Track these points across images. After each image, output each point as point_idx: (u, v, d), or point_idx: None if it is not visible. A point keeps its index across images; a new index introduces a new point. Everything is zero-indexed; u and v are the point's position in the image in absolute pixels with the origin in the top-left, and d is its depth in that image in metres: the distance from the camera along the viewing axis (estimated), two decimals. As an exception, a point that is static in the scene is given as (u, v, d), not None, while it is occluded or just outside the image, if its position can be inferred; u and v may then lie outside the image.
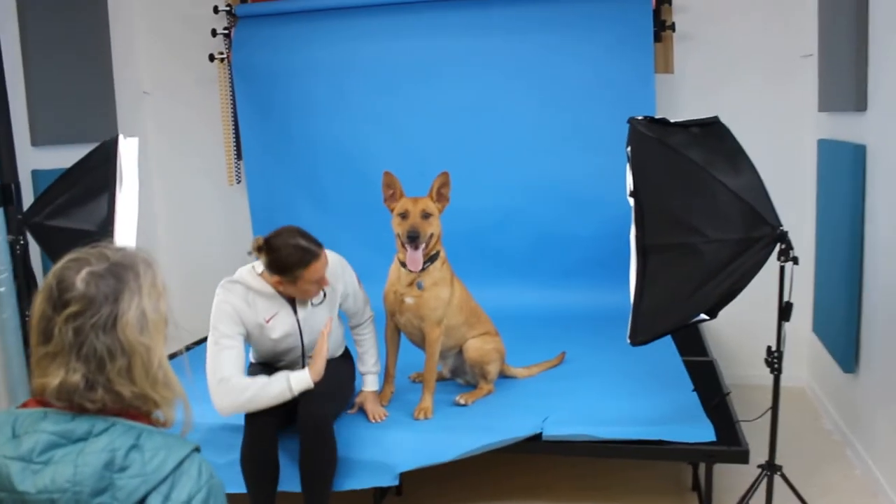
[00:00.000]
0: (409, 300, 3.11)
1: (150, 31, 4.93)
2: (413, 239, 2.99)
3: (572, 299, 4.32)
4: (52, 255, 3.27)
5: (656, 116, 2.71)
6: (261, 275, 2.84)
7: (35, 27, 4.10)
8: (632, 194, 2.64)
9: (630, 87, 4.17)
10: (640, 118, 2.63)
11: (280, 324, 2.87)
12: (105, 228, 3.04)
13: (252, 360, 3.17)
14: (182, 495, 1.28)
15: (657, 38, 4.20)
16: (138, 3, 4.90)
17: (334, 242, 3.25)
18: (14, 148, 3.92)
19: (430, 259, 3.11)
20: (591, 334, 3.91)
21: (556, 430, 2.87)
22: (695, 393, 3.15)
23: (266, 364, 3.07)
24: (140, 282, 1.33)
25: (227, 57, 4.66)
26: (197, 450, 1.36)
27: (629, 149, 2.63)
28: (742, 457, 2.71)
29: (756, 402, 3.22)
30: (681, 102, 4.33)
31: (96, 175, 3.06)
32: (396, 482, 2.92)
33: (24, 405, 1.35)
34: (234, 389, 2.71)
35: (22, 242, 3.23)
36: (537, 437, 2.88)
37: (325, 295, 2.92)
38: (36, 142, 4.12)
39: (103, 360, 1.28)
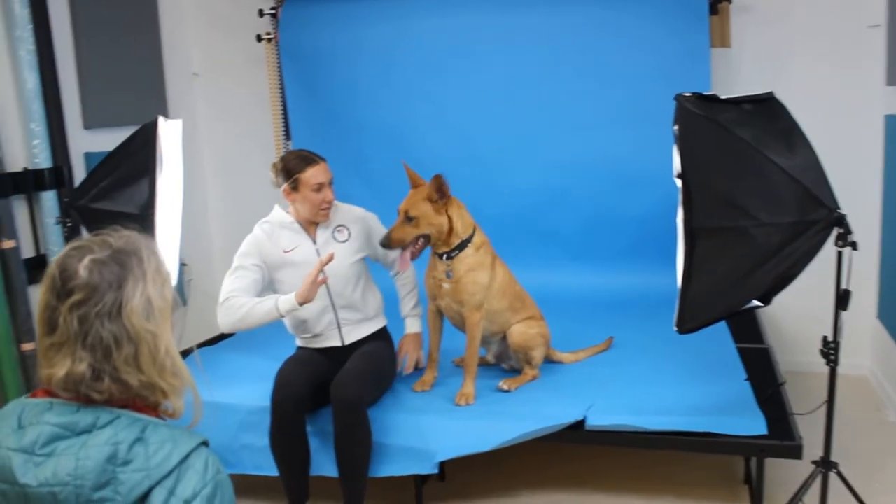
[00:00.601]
0: (445, 286, 3.05)
1: (198, 13, 4.93)
2: (384, 246, 3.01)
3: (623, 281, 4.20)
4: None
5: (709, 93, 2.57)
6: (288, 211, 3.08)
7: (86, 10, 4.13)
8: (679, 175, 2.51)
9: (684, 62, 4.00)
10: (687, 95, 2.50)
11: (298, 253, 3.02)
12: (146, 211, 3.04)
13: (297, 343, 3.17)
14: (187, 490, 1.25)
15: (713, 10, 4.01)
16: (187, -16, 4.91)
17: (381, 221, 3.25)
18: (66, 131, 3.98)
19: (460, 247, 3.03)
20: (642, 318, 3.79)
21: (600, 419, 2.79)
22: (748, 382, 3.01)
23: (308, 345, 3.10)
24: (144, 268, 1.30)
25: (275, 37, 4.63)
26: (205, 443, 1.32)
27: (676, 127, 2.50)
28: (795, 452, 2.59)
29: (814, 391, 3.07)
30: (738, 78, 4.14)
31: (137, 158, 3.06)
32: (435, 471, 2.87)
33: (34, 395, 1.33)
34: (231, 308, 2.91)
35: (69, 224, 3.26)
36: (580, 426, 2.80)
37: (349, 234, 3.08)
38: (87, 124, 4.17)
39: (109, 349, 1.26)
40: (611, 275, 4.27)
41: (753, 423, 2.68)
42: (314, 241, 3.06)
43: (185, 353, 1.45)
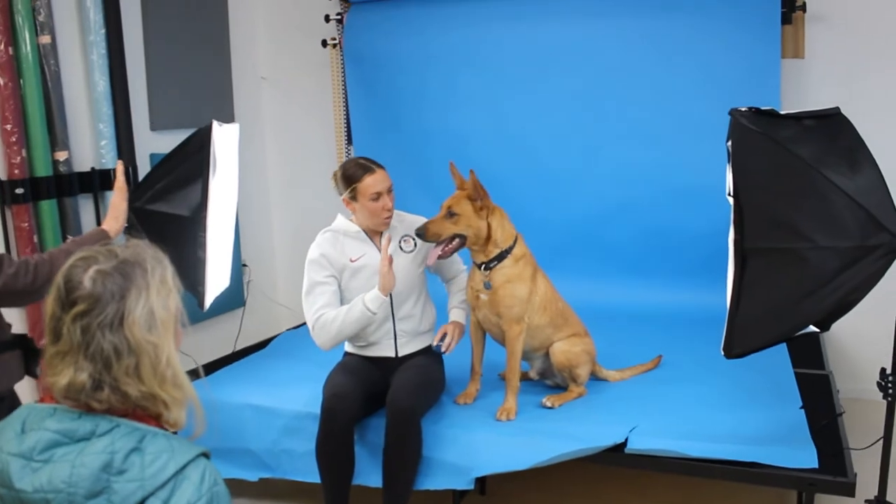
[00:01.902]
0: (483, 296, 3.00)
1: (267, 18, 5.01)
2: (419, 235, 2.95)
3: (678, 299, 4.08)
4: (151, 238, 3.36)
5: (767, 107, 2.46)
6: (351, 219, 3.07)
7: (157, 15, 4.24)
8: (731, 193, 2.41)
9: (753, 74, 3.86)
10: (743, 109, 2.40)
11: (365, 262, 3.00)
12: (198, 214, 3.08)
13: (346, 349, 3.17)
14: (181, 502, 1.24)
15: (786, 19, 3.85)
16: (257, -11, 4.99)
17: None
18: (133, 132, 4.09)
19: (499, 257, 2.98)
20: (695, 338, 3.65)
21: (642, 442, 2.69)
22: (802, 411, 2.87)
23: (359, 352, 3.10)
24: (148, 279, 1.31)
25: (339, 42, 4.67)
26: (205, 455, 1.32)
27: (729, 143, 2.41)
28: (847, 489, 2.44)
29: (875, 421, 2.89)
30: (812, 91, 3.96)
31: (191, 162, 3.11)
32: (471, 486, 2.83)
33: (41, 400, 1.35)
34: (324, 326, 2.92)
35: (126, 225, 3.34)
36: (622, 448, 2.71)
37: (415, 244, 3.06)
38: (155, 126, 4.28)
39: (110, 360, 1.27)
40: (666, 291, 4.15)
41: (804, 456, 2.54)
42: (380, 250, 3.02)
43: (193, 375, 1.44)
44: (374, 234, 3.08)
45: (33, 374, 2.38)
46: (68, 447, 1.25)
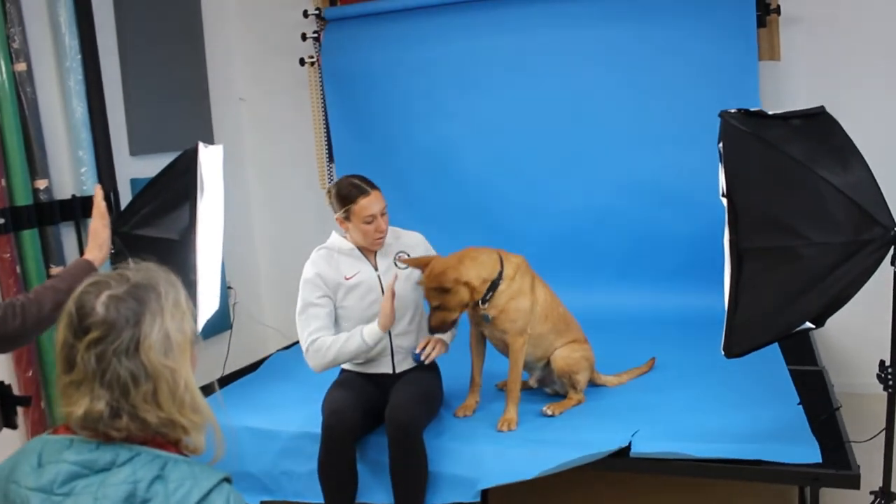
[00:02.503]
0: (491, 313, 2.99)
1: (243, 37, 4.99)
2: (433, 332, 2.96)
3: (668, 302, 4.10)
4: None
5: (754, 108, 2.49)
6: (345, 237, 3.05)
7: (132, 39, 4.20)
8: (725, 194, 2.43)
9: (732, 77, 3.91)
10: (732, 111, 2.42)
11: (360, 279, 2.99)
12: (187, 237, 3.05)
13: (343, 366, 3.14)
14: None
15: (761, 22, 3.92)
16: (232, 10, 4.97)
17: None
18: (112, 157, 4.04)
19: (492, 288, 2.94)
20: (689, 340, 3.68)
21: (645, 446, 2.69)
22: (800, 407, 2.89)
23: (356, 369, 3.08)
24: (162, 302, 1.29)
25: (317, 60, 4.66)
26: (227, 480, 1.30)
27: (721, 145, 2.43)
28: (852, 482, 2.46)
29: (872, 415, 2.92)
30: (789, 92, 4.02)
31: (178, 184, 3.07)
32: (477, 499, 2.81)
33: (55, 430, 1.31)
34: (318, 351, 2.91)
35: (112, 251, 3.29)
36: (625, 453, 2.71)
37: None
38: (134, 151, 4.23)
39: (127, 386, 1.24)
40: (656, 295, 4.18)
41: (807, 451, 2.56)
42: (375, 268, 3.03)
43: (208, 394, 1.41)
44: (368, 251, 3.06)
45: (13, 426, 2.25)
46: (89, 479, 1.22)
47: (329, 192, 3.02)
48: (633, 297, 4.21)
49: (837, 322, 2.51)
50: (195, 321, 1.36)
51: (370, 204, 2.91)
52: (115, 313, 1.25)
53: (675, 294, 4.09)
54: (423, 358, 2.99)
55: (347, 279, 2.99)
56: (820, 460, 2.52)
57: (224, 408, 1.46)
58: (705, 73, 3.99)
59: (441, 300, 2.87)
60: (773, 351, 3.39)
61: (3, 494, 1.26)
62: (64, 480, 1.22)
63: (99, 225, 2.62)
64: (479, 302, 2.94)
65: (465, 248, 3.05)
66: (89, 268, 2.39)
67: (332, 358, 2.92)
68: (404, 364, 3.08)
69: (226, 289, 4.77)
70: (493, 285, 2.94)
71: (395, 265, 3.04)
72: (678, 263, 4.16)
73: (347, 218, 2.95)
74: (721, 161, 2.42)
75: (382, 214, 2.96)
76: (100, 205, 2.67)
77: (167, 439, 1.30)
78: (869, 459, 2.57)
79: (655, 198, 4.16)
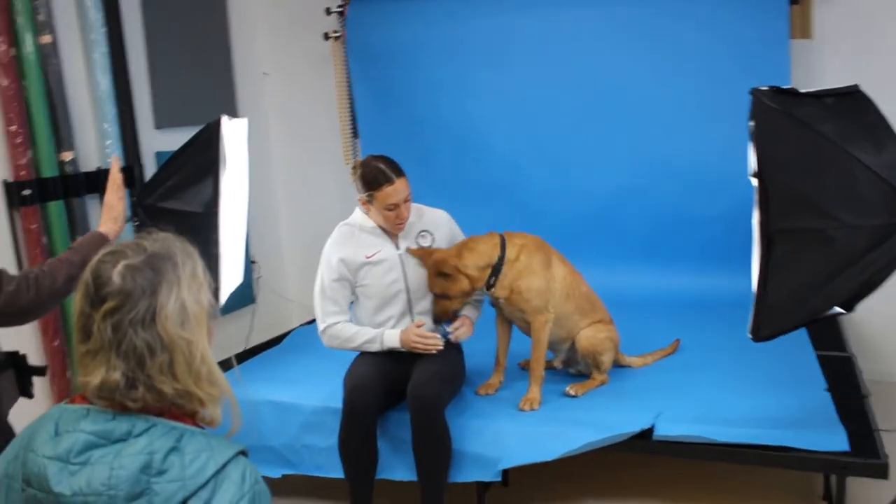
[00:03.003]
0: (501, 300, 2.99)
1: (267, 12, 4.96)
2: (437, 323, 2.99)
3: (695, 284, 4.05)
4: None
5: (787, 86, 2.43)
6: (368, 213, 3.01)
7: (157, 12, 4.19)
8: (755, 174, 2.39)
9: (762, 55, 3.83)
10: (764, 88, 2.38)
11: (382, 258, 2.97)
12: (210, 210, 3.04)
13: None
14: (223, 502, 1.20)
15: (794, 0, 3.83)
16: (257, -16, 4.94)
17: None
18: (137, 130, 4.05)
19: (494, 273, 2.94)
20: (715, 322, 3.63)
21: (668, 429, 2.67)
22: (828, 393, 2.85)
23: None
24: (179, 273, 1.26)
25: (342, 35, 4.63)
26: (244, 453, 1.28)
27: (752, 123, 2.38)
28: (880, 471, 2.42)
29: (901, 404, 2.90)
30: (821, 72, 3.92)
31: (201, 157, 3.06)
32: (498, 478, 2.80)
33: (73, 400, 1.31)
34: (333, 336, 2.99)
35: (137, 223, 3.30)
36: (648, 435, 2.69)
37: (432, 240, 3.02)
38: (159, 124, 4.23)
39: (143, 357, 1.22)
40: (682, 277, 4.13)
41: (834, 438, 2.52)
42: (397, 247, 3.01)
43: (226, 369, 1.40)
44: (392, 232, 3.05)
45: (28, 395, 2.24)
46: (105, 449, 1.21)
47: (354, 169, 2.98)
48: (658, 277, 4.17)
49: (868, 307, 2.45)
50: (212, 293, 1.33)
51: (394, 192, 2.86)
52: (131, 283, 1.22)
53: (701, 275, 4.03)
54: (451, 335, 2.99)
55: (368, 258, 2.98)
56: (847, 448, 2.48)
57: (242, 382, 1.45)
58: (735, 51, 3.91)
59: (443, 288, 2.88)
60: (801, 335, 3.34)
61: (22, 462, 1.26)
62: (80, 450, 1.21)
63: (114, 197, 2.56)
64: (486, 288, 2.94)
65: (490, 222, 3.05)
66: (103, 240, 2.35)
67: (346, 345, 3.00)
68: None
69: (249, 263, 4.77)
70: (496, 269, 2.93)
71: (417, 243, 3.01)
72: (705, 244, 4.10)
73: (370, 201, 2.93)
74: (751, 139, 2.37)
75: (406, 201, 2.92)
76: (115, 177, 2.62)
77: (183, 411, 1.28)
78: (896, 449, 2.53)
79: (682, 178, 4.10)
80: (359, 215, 3.06)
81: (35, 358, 2.30)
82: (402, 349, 2.94)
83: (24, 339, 2.42)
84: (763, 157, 2.35)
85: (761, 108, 2.36)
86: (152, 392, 1.23)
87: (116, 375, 1.22)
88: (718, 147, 3.94)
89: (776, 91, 2.38)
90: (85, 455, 1.21)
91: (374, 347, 2.97)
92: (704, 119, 4.01)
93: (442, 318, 2.95)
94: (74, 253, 2.22)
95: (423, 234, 3.04)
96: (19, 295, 2.04)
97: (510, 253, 2.96)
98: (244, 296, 4.66)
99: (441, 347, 2.91)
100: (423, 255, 2.94)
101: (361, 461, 2.83)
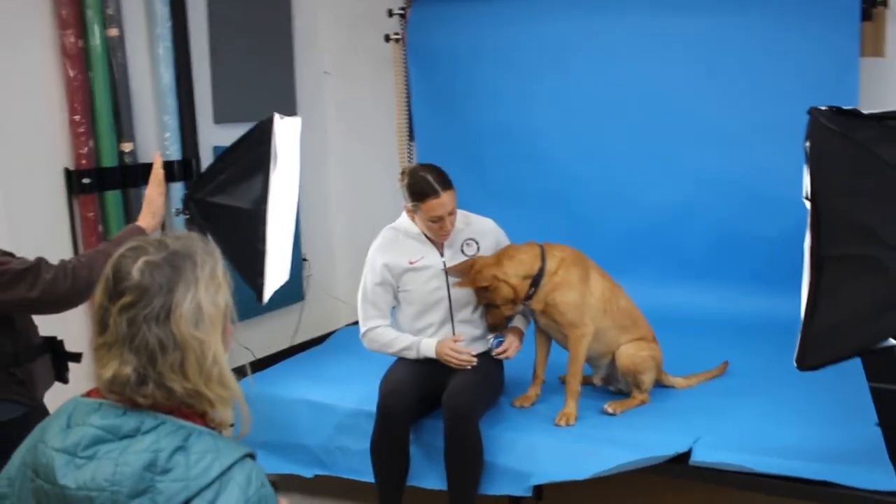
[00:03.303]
0: (536, 307, 2.95)
1: (330, 11, 5.00)
2: (493, 331, 3.00)
3: (747, 306, 3.92)
4: (211, 230, 3.37)
5: (849, 107, 2.33)
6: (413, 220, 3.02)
7: (222, 8, 4.26)
8: (808, 197, 2.30)
9: (829, 72, 3.68)
10: (822, 108, 2.29)
11: (425, 264, 2.97)
12: (258, 206, 3.07)
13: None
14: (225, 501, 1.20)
15: (867, 15, 3.66)
16: (321, -16, 4.98)
17: (502, 226, 3.19)
18: (196, 124, 4.12)
19: (534, 284, 2.91)
20: (764, 347, 3.51)
21: (706, 454, 2.59)
22: (878, 428, 2.72)
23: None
24: (197, 273, 1.27)
25: (402, 37, 4.63)
26: (251, 456, 1.28)
27: (807, 144, 2.29)
28: (927, 512, 2.31)
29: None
30: (893, 91, 3.77)
31: (252, 154, 3.10)
32: (529, 493, 2.76)
33: (89, 393, 1.32)
34: (374, 340, 3.02)
35: (187, 216, 3.35)
36: (685, 459, 2.61)
37: (478, 249, 3.01)
38: (218, 119, 4.29)
39: (155, 354, 1.23)
40: (735, 298, 4.00)
41: (881, 477, 2.40)
42: (441, 254, 3.00)
43: (240, 377, 1.39)
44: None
45: (64, 380, 2.30)
46: (112, 444, 1.22)
47: (402, 175, 2.96)
48: (710, 297, 4.05)
49: None
50: (230, 294, 1.34)
51: (440, 205, 2.84)
52: (149, 279, 1.24)
53: (754, 297, 3.90)
54: (498, 353, 2.98)
55: (412, 263, 2.97)
56: (895, 488, 2.37)
57: (254, 386, 1.44)
58: (801, 67, 3.78)
59: (487, 298, 2.87)
60: (854, 366, 3.20)
61: (33, 453, 1.28)
62: (88, 444, 1.22)
63: (154, 192, 2.62)
64: (525, 299, 2.92)
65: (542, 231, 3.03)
66: (140, 234, 2.39)
67: (386, 352, 3.03)
68: (474, 348, 3.02)
69: (300, 261, 4.82)
70: (536, 281, 2.90)
71: (462, 252, 2.99)
72: (760, 266, 3.97)
73: (415, 211, 2.92)
74: (806, 160, 2.28)
75: (451, 214, 2.90)
76: (157, 172, 2.67)
77: (193, 411, 1.29)
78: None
79: (740, 196, 3.98)
80: (405, 220, 3.05)
81: (77, 345, 2.35)
82: (434, 356, 2.93)
83: (68, 327, 2.48)
84: (817, 180, 2.27)
85: (818, 129, 2.28)
86: (162, 389, 1.24)
87: (128, 370, 1.23)
88: (780, 167, 3.78)
89: (836, 111, 2.29)
90: (92, 449, 1.22)
91: (411, 355, 2.96)
92: (767, 137, 3.89)
93: (496, 326, 2.95)
94: (112, 245, 2.26)
95: (468, 242, 3.02)
96: (56, 284, 2.08)
97: (550, 265, 2.92)
98: (294, 293, 4.70)
99: (474, 363, 2.89)
100: (463, 269, 2.91)
101: (392, 467, 2.82)
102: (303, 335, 4.45)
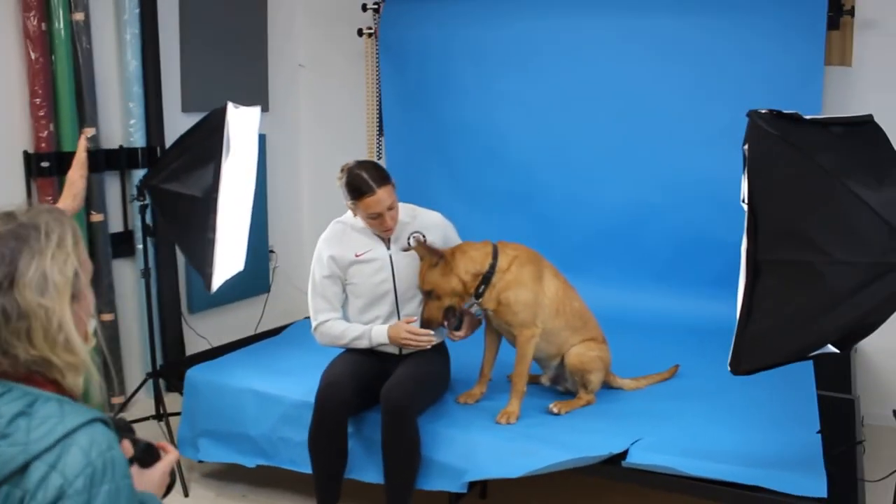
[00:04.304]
0: (489, 312, 2.94)
1: (306, 4, 5.00)
2: (427, 327, 2.89)
3: (708, 310, 3.86)
4: (164, 216, 3.37)
5: (790, 111, 2.32)
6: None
7: (194, -4, 4.25)
8: (745, 200, 2.29)
9: (795, 79, 3.68)
10: (762, 111, 2.28)
11: (371, 257, 2.97)
12: (210, 195, 3.07)
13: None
14: (69, 466, 1.20)
15: (833, 24, 3.66)
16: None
17: (466, 223, 3.20)
18: (162, 112, 4.11)
19: (484, 282, 2.87)
20: (716, 351, 3.43)
21: (641, 456, 2.57)
22: (819, 435, 2.71)
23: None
24: (42, 243, 1.29)
25: (375, 32, 4.62)
26: (101, 420, 1.28)
27: (746, 147, 2.28)
28: (854, 522, 2.29)
29: (898, 453, 2.75)
30: (857, 100, 3.75)
31: (205, 143, 3.10)
32: (464, 490, 2.75)
33: None
34: (325, 333, 3.01)
35: (142, 203, 3.35)
36: (619, 460, 2.59)
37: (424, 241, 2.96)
38: (186, 107, 4.29)
39: None
40: (693, 302, 3.97)
41: (813, 483, 2.38)
42: (388, 247, 2.99)
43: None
44: None
45: None
46: None
47: (341, 174, 2.93)
48: (669, 300, 4.03)
49: (881, 348, 2.31)
50: (80, 263, 1.34)
51: (376, 202, 2.83)
52: None
53: (713, 302, 3.83)
54: (453, 333, 2.97)
55: (358, 256, 2.96)
56: (825, 495, 2.35)
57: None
58: (766, 72, 3.77)
59: (433, 283, 2.83)
60: (805, 372, 3.19)
61: None
62: None
63: (76, 175, 2.61)
64: (475, 297, 2.88)
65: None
66: None
67: (338, 344, 3.01)
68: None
69: (267, 252, 4.81)
70: (486, 278, 2.87)
71: (408, 244, 2.97)
72: (720, 270, 3.93)
73: (354, 208, 2.92)
74: (744, 164, 2.27)
75: (390, 209, 2.88)
76: (80, 155, 2.66)
77: (45, 378, 1.30)
78: (883, 501, 2.39)
79: (703, 200, 3.96)
80: (350, 214, 3.04)
81: None
82: (390, 345, 2.92)
83: None
84: (755, 184, 2.25)
85: (756, 132, 2.26)
86: (8, 357, 1.26)
87: None
88: (740, 172, 3.80)
89: (776, 115, 2.27)
90: None
91: (363, 344, 2.95)
92: (731, 141, 3.85)
93: (430, 322, 2.87)
94: None
95: (415, 234, 3.00)
96: None
97: (502, 262, 2.90)
98: (259, 284, 4.69)
99: (435, 342, 2.88)
100: (420, 249, 2.89)
101: (329, 459, 2.81)
102: (266, 326, 4.44)
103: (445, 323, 2.93)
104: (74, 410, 1.25)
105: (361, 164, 2.91)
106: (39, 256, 1.27)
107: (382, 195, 2.82)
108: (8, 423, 1.21)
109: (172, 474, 1.53)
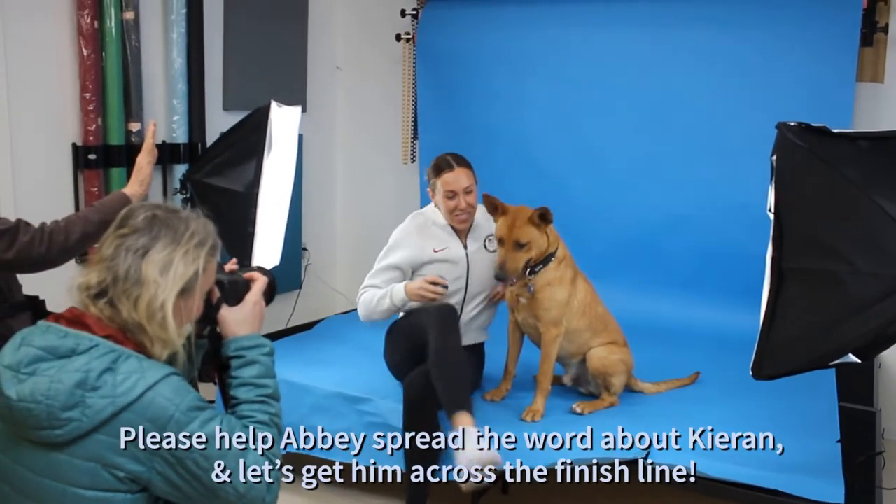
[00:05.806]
0: (522, 300, 3.00)
1: (346, 8, 5.11)
2: (500, 279, 2.90)
3: (732, 319, 3.91)
4: (206, 210, 3.48)
5: (818, 124, 2.38)
6: (437, 207, 3.11)
7: (239, -2, 4.37)
8: (772, 210, 2.35)
9: (827, 94, 3.71)
10: (791, 123, 2.34)
11: (448, 255, 3.05)
12: (250, 190, 3.19)
13: None
14: (159, 411, 1.38)
15: (866, 40, 3.70)
16: (339, -22, 5.09)
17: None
18: (205, 109, 4.23)
19: (544, 261, 2.95)
20: (740, 358, 3.50)
21: (662, 457, 2.64)
22: (838, 444, 2.75)
23: None
24: (183, 238, 1.48)
25: (413, 37, 4.72)
26: (177, 374, 1.45)
27: (774, 158, 2.35)
28: (870, 528, 2.34)
29: (919, 466, 2.78)
30: (889, 116, 3.78)
31: (248, 139, 3.22)
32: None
33: (63, 314, 1.50)
34: (361, 303, 3.07)
35: (186, 196, 3.47)
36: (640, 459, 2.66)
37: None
38: (227, 105, 4.41)
39: (118, 278, 1.44)
40: (717, 311, 4.02)
41: (830, 489, 2.43)
42: (465, 247, 3.08)
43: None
44: (460, 231, 3.10)
45: None
46: (50, 363, 1.40)
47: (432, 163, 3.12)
48: (693, 309, 4.07)
49: None
50: (204, 270, 1.50)
51: (454, 179, 2.99)
52: (144, 224, 1.47)
53: (737, 312, 3.88)
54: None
55: (436, 251, 3.05)
56: (842, 501, 2.40)
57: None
58: (798, 86, 3.81)
59: (532, 237, 2.86)
60: (827, 383, 3.23)
61: None
62: (29, 362, 1.40)
63: (144, 161, 2.69)
64: (529, 271, 2.92)
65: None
66: (125, 201, 2.43)
67: (375, 315, 3.04)
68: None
69: (300, 249, 4.91)
70: (547, 259, 2.95)
71: (485, 247, 3.06)
72: (747, 282, 3.93)
73: (433, 189, 3.05)
74: (772, 174, 2.34)
75: (466, 192, 2.99)
76: (149, 142, 2.75)
77: (129, 339, 1.45)
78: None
79: (732, 211, 4.01)
80: (432, 210, 3.13)
81: (61, 306, 2.45)
82: (406, 301, 2.96)
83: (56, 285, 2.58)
84: (782, 194, 2.32)
85: (785, 144, 2.33)
86: (112, 308, 1.44)
87: (95, 279, 1.44)
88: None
89: (804, 128, 2.34)
90: (32, 366, 1.40)
91: (386, 303, 3.00)
92: (762, 153, 3.90)
93: (513, 273, 2.86)
94: (94, 212, 2.35)
95: (490, 238, 3.09)
96: (32, 246, 2.17)
97: (560, 252, 3.00)
98: (291, 280, 4.79)
99: (447, 287, 2.94)
100: (500, 205, 2.96)
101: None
102: (296, 322, 4.53)
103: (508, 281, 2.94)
104: (153, 367, 1.42)
105: (448, 152, 3.13)
106: (175, 246, 1.47)
107: (461, 174, 2.99)
108: (98, 377, 1.37)
109: (272, 287, 1.74)
